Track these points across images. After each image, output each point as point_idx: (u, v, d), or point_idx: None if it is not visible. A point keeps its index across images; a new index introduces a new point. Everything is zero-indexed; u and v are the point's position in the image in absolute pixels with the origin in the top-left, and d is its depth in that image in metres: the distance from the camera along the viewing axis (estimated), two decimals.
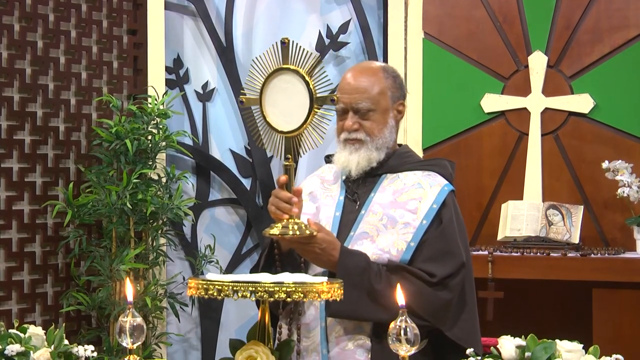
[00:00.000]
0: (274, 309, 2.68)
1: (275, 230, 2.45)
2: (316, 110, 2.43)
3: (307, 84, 2.43)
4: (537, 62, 4.52)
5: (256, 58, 2.50)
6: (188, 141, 4.51)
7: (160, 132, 4.13)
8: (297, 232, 2.44)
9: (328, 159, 2.88)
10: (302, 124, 2.44)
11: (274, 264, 2.63)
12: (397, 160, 2.75)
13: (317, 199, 2.75)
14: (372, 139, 2.67)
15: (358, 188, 2.72)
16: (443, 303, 2.58)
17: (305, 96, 2.43)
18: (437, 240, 2.63)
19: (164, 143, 4.14)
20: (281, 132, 2.46)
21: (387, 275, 2.57)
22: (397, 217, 2.65)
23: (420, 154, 4.54)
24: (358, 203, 2.70)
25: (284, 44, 2.45)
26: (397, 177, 2.73)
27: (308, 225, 2.47)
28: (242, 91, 2.57)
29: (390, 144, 2.73)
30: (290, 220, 2.45)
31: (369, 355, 2.58)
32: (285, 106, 2.45)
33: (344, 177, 2.75)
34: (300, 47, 2.46)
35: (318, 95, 2.43)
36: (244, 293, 2.11)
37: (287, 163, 2.47)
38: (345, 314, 2.56)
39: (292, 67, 2.44)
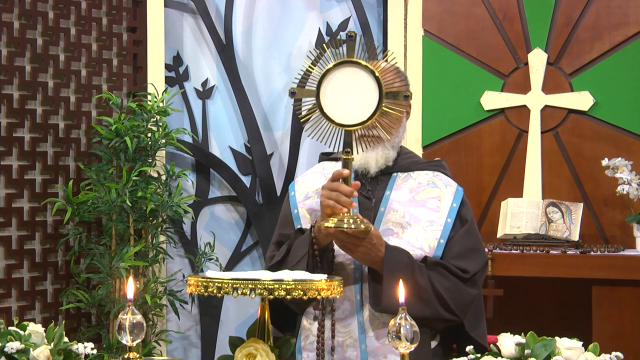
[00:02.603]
0: (296, 307, 2.67)
1: (331, 223, 2.43)
2: (385, 105, 2.42)
3: (377, 78, 2.41)
4: (537, 60, 4.52)
5: (313, 49, 2.50)
6: (188, 139, 4.51)
7: (160, 130, 4.13)
8: (353, 226, 2.42)
9: (325, 156, 2.89)
10: (369, 118, 2.42)
11: (314, 261, 2.59)
12: (405, 159, 2.78)
13: None
14: (389, 137, 2.68)
15: (370, 185, 2.73)
16: (471, 298, 2.65)
17: (373, 90, 2.42)
18: (465, 238, 2.69)
19: (163, 140, 4.14)
20: (342, 125, 2.44)
21: (427, 271, 2.60)
22: (420, 215, 2.68)
23: (420, 151, 4.54)
24: (374, 200, 2.71)
25: (351, 37, 2.44)
26: (409, 175, 2.75)
27: (362, 219, 2.46)
28: (293, 82, 2.56)
29: (400, 144, 2.77)
30: (346, 214, 2.44)
31: None
32: (348, 99, 2.43)
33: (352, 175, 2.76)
34: (367, 40, 2.45)
35: (389, 90, 2.43)
36: (244, 290, 2.10)
37: (346, 157, 2.45)
38: (392, 310, 2.56)
39: (362, 62, 2.42)
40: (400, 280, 2.14)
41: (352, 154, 2.46)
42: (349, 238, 2.50)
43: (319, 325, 2.60)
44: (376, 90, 2.42)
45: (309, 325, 2.66)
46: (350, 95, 2.44)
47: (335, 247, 2.61)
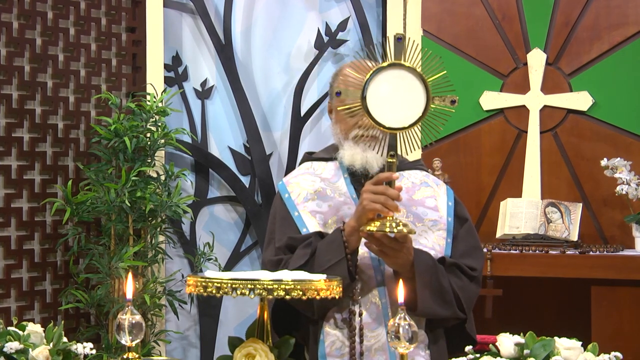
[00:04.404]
0: (318, 312, 2.62)
1: (373, 227, 2.41)
2: (432, 108, 2.42)
3: (424, 81, 2.41)
4: (536, 60, 4.52)
5: (361, 50, 2.49)
6: (187, 139, 4.51)
7: (159, 130, 4.13)
8: (395, 230, 2.41)
9: (309, 155, 2.87)
10: (415, 122, 2.42)
11: (347, 265, 2.56)
12: None
13: (328, 197, 2.71)
14: (385, 136, 2.67)
15: None
16: (475, 296, 2.70)
17: (420, 94, 2.41)
18: (468, 236, 2.72)
19: (162, 141, 4.14)
20: (387, 128, 2.43)
21: (445, 271, 2.62)
22: (421, 214, 2.68)
23: (419, 151, 4.53)
24: None
25: (400, 39, 2.43)
26: (401, 175, 2.74)
27: (405, 223, 2.45)
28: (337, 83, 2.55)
29: None
30: (388, 218, 2.43)
31: (428, 351, 2.62)
32: (394, 103, 2.42)
33: (345, 174, 2.75)
34: (416, 43, 2.44)
35: (437, 94, 2.42)
36: (243, 291, 2.10)
37: (391, 159, 2.45)
38: (429, 313, 2.58)
39: (407, 64, 2.41)
40: (401, 280, 2.14)
41: (396, 157, 2.45)
42: (391, 242, 2.49)
43: (349, 330, 2.59)
44: (423, 94, 2.42)
45: (333, 331, 2.63)
46: (396, 98, 2.43)
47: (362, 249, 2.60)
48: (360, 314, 2.60)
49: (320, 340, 2.63)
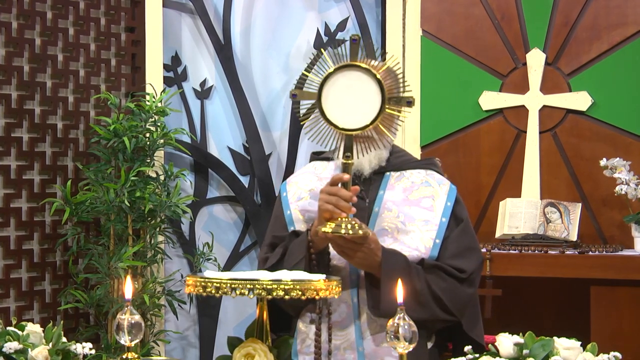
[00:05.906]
0: (292, 310, 2.65)
1: (328, 228, 2.42)
2: (387, 110, 2.41)
3: (380, 83, 2.41)
4: (535, 60, 4.52)
5: (316, 52, 2.50)
6: (186, 139, 4.51)
7: (159, 130, 4.13)
8: (351, 232, 2.41)
9: (315, 155, 2.88)
10: (370, 123, 2.41)
11: (311, 265, 2.58)
12: (397, 158, 2.77)
13: None
14: (382, 137, 2.68)
15: (363, 185, 2.72)
16: (468, 298, 2.67)
17: (375, 95, 2.41)
18: (461, 237, 2.70)
19: (162, 141, 4.14)
20: (343, 129, 2.43)
21: (424, 273, 2.60)
22: (414, 215, 2.67)
23: (419, 151, 4.55)
24: (367, 200, 2.70)
25: (355, 41, 2.42)
26: (402, 175, 2.74)
27: (361, 225, 2.45)
28: (293, 83, 2.55)
29: (392, 143, 2.76)
30: (344, 219, 2.43)
31: None
32: (349, 104, 2.42)
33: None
34: (372, 45, 2.44)
35: (392, 95, 2.42)
36: (242, 290, 2.10)
37: (346, 161, 2.45)
38: (392, 314, 2.57)
39: (366, 65, 2.41)
40: (399, 280, 2.14)
41: (352, 158, 2.45)
42: (347, 243, 2.49)
43: (317, 328, 2.59)
44: (379, 95, 2.41)
45: (305, 329, 2.65)
46: (352, 99, 2.42)
47: (331, 250, 2.60)
48: (330, 313, 2.60)
49: (294, 337, 2.65)
